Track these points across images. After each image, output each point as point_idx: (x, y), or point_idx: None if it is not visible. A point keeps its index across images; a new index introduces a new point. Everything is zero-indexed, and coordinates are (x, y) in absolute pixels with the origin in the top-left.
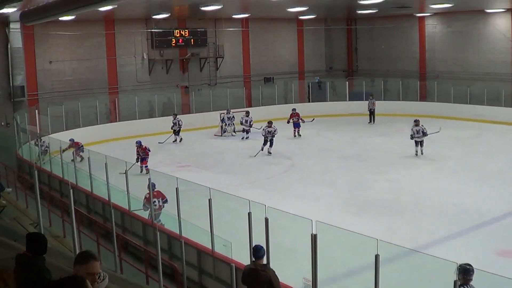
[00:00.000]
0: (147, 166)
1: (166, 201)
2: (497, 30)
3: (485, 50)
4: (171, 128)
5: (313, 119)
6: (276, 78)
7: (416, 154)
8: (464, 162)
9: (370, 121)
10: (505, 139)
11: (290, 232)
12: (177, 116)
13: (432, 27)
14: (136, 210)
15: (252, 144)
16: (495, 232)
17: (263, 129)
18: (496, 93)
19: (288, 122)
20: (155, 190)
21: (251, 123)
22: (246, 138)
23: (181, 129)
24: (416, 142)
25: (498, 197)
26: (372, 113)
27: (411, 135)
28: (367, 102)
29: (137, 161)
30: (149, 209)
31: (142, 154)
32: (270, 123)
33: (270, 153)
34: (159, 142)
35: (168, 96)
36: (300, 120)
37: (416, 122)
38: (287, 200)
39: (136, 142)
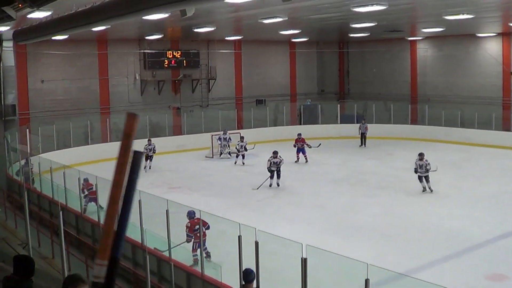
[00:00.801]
0: None
1: (208, 228)
2: (488, 54)
3: (476, 74)
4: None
5: (320, 144)
6: (268, 100)
7: (424, 191)
8: (455, 185)
9: (362, 145)
10: (496, 163)
11: (280, 256)
12: (152, 141)
13: (424, 50)
14: (176, 245)
15: (245, 165)
16: (485, 256)
17: (268, 161)
18: (487, 116)
19: (295, 146)
20: (196, 218)
21: (246, 147)
22: (243, 164)
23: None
24: (420, 178)
25: (489, 221)
26: (363, 136)
27: (415, 168)
28: (358, 125)
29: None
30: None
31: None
32: (275, 153)
33: (279, 184)
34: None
35: (160, 117)
36: (306, 145)
37: (421, 156)
38: (277, 224)
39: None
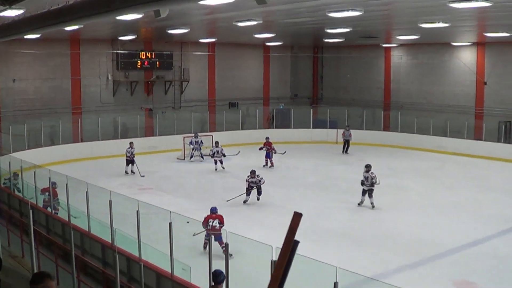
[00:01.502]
0: None
1: (221, 224)
2: (462, 63)
3: (449, 82)
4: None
5: (285, 151)
6: (241, 104)
7: (359, 204)
8: (426, 193)
9: (344, 152)
10: (467, 171)
11: (250, 258)
12: (133, 146)
13: (398, 58)
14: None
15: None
16: (454, 263)
17: (247, 181)
18: (459, 125)
19: (261, 149)
20: (217, 213)
21: (223, 152)
22: (223, 168)
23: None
24: (364, 191)
25: (458, 229)
26: (347, 143)
27: (362, 180)
28: (336, 130)
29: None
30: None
31: None
32: (253, 172)
33: (258, 199)
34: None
35: (132, 118)
36: (272, 151)
37: (367, 168)
38: (247, 226)
39: None
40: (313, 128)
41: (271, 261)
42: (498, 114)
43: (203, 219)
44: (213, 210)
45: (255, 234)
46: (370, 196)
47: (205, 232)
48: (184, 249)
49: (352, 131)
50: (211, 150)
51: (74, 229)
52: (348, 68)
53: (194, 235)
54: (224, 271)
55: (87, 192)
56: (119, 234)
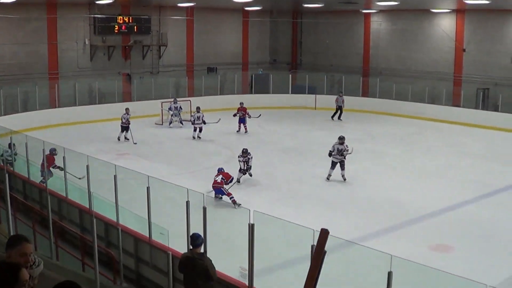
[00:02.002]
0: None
1: (231, 181)
2: (441, 30)
3: (428, 49)
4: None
5: (260, 114)
6: (220, 69)
7: (328, 179)
8: (403, 158)
9: (335, 117)
10: (445, 137)
11: (228, 222)
12: (128, 112)
13: (377, 24)
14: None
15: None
16: (430, 227)
17: (238, 159)
18: (437, 91)
19: (235, 115)
20: (224, 171)
21: (204, 119)
22: (199, 138)
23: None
24: (333, 163)
25: (434, 194)
26: (340, 110)
27: (330, 151)
28: (312, 96)
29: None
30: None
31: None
32: (245, 152)
33: (251, 175)
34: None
35: (109, 83)
36: (246, 115)
37: (341, 140)
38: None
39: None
40: (292, 93)
41: (249, 224)
42: (477, 81)
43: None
44: (219, 170)
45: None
46: (343, 168)
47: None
48: (162, 214)
49: (331, 97)
50: (191, 115)
51: (51, 195)
52: (327, 34)
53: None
54: (202, 235)
55: (64, 157)
56: (97, 199)
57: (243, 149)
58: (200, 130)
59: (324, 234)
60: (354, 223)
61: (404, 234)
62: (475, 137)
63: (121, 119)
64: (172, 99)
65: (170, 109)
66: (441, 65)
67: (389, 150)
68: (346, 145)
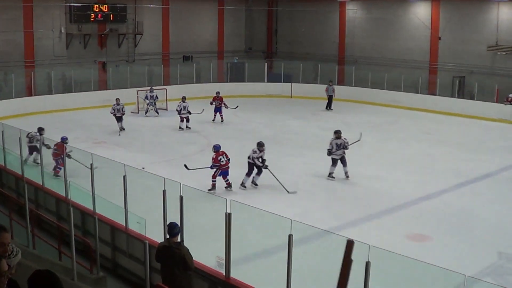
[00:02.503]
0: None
1: (229, 160)
2: (417, 18)
3: (404, 37)
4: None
5: (237, 106)
6: (195, 57)
7: (333, 177)
8: (379, 147)
9: (328, 108)
10: (420, 126)
11: (205, 211)
12: (120, 101)
13: (353, 12)
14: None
15: (171, 122)
16: (407, 216)
17: (251, 157)
18: (413, 80)
19: (211, 104)
20: (220, 151)
21: (189, 109)
22: (188, 128)
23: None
24: (334, 161)
25: (411, 183)
26: (331, 99)
27: (329, 149)
28: (288, 84)
29: None
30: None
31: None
32: (260, 145)
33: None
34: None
35: (85, 72)
36: (223, 105)
37: (338, 134)
38: (202, 179)
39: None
40: (267, 82)
41: (226, 213)
42: (452, 69)
43: (211, 159)
44: (218, 148)
45: (209, 187)
46: (345, 164)
47: (214, 170)
48: (139, 203)
49: (306, 85)
50: (178, 105)
51: (28, 183)
52: (303, 22)
53: (188, 169)
54: (179, 224)
55: (40, 145)
56: (73, 187)
57: (259, 142)
58: (188, 120)
59: (350, 244)
60: (331, 212)
61: (381, 223)
62: (451, 125)
63: (115, 110)
64: (149, 88)
65: (146, 97)
66: (417, 53)
67: (365, 139)
68: (345, 138)
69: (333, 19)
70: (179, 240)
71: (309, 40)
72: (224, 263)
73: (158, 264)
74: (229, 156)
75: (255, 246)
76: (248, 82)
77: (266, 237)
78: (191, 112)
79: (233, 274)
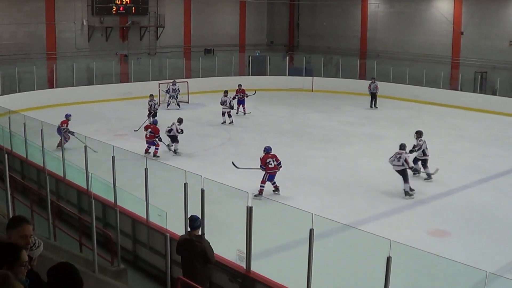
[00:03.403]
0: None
1: (280, 164)
2: (439, 13)
3: (426, 32)
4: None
5: (255, 92)
6: (217, 50)
7: (416, 174)
8: (400, 142)
9: (372, 106)
10: (442, 121)
11: (226, 204)
12: (154, 98)
13: (375, 6)
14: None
15: (192, 115)
16: (428, 212)
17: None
18: (435, 75)
19: (234, 98)
20: (271, 153)
21: (232, 104)
22: (230, 123)
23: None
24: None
25: (433, 178)
26: (374, 96)
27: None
28: (309, 78)
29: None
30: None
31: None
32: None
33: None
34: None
35: (107, 64)
36: (245, 97)
37: (418, 135)
38: (223, 173)
39: None
40: (289, 75)
41: (247, 207)
42: (475, 65)
43: (260, 161)
44: (268, 150)
45: (229, 180)
46: (425, 166)
47: (264, 173)
48: (160, 195)
49: (328, 79)
50: (222, 98)
51: (49, 175)
52: (324, 16)
53: (237, 168)
54: (200, 217)
55: (62, 138)
56: (95, 180)
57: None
58: (229, 116)
59: None
60: (352, 206)
61: (402, 218)
62: (473, 120)
63: (150, 105)
64: (171, 81)
65: (168, 90)
66: (439, 48)
67: (387, 134)
68: (421, 140)
69: (355, 13)
70: (200, 233)
71: (330, 34)
72: (245, 257)
73: (179, 257)
74: (280, 160)
75: (276, 240)
76: (269, 75)
77: (287, 231)
78: (234, 107)
79: (254, 268)
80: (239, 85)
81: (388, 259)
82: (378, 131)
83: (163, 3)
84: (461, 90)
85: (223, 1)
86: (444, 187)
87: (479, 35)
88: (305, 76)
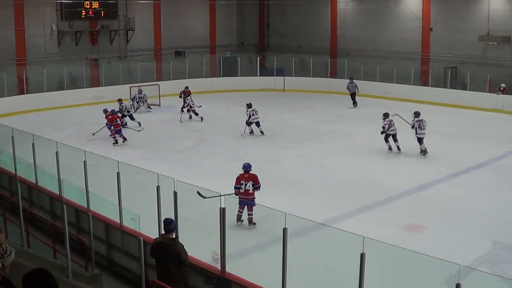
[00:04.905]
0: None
1: (258, 188)
2: (408, 9)
3: (395, 29)
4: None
5: (200, 105)
6: (187, 52)
7: (423, 153)
8: (371, 139)
9: (354, 105)
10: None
11: (199, 206)
12: (123, 102)
13: (344, 4)
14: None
15: (164, 117)
16: (401, 207)
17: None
18: (405, 71)
19: (180, 97)
20: (250, 172)
21: (189, 103)
22: (202, 119)
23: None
24: (421, 140)
25: (405, 173)
26: (354, 96)
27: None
28: (280, 78)
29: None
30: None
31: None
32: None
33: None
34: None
35: (77, 69)
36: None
37: (417, 114)
38: (196, 175)
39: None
40: (260, 76)
41: (220, 208)
42: (444, 60)
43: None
44: (247, 168)
45: (203, 182)
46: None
47: (238, 199)
48: (133, 199)
49: (299, 78)
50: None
51: (21, 182)
52: (294, 15)
53: (204, 198)
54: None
55: (33, 144)
56: (67, 185)
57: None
58: (196, 114)
59: None
60: (325, 204)
61: (375, 214)
62: (444, 116)
63: (120, 110)
64: (137, 90)
65: (134, 99)
66: (409, 44)
67: (358, 131)
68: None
69: (324, 12)
70: (174, 236)
71: (301, 33)
72: (220, 258)
73: (153, 260)
74: (259, 183)
75: (250, 241)
76: (240, 76)
77: (261, 231)
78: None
79: (229, 269)
80: (186, 87)
81: (362, 256)
82: (350, 128)
83: (132, 6)
84: (431, 85)
85: (193, 2)
86: (416, 181)
87: (448, 31)
88: (276, 76)
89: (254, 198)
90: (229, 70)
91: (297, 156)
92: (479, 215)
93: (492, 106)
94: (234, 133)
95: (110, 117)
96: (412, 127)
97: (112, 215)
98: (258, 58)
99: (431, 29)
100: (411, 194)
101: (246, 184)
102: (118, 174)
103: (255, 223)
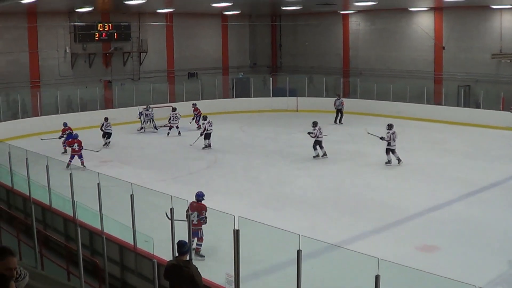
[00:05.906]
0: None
1: (202, 219)
2: (420, 29)
3: (408, 48)
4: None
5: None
6: (200, 74)
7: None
8: (385, 158)
9: (336, 122)
10: (427, 136)
11: (212, 228)
12: (108, 120)
13: (356, 24)
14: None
15: (177, 139)
16: (416, 227)
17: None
18: (418, 90)
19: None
20: (199, 201)
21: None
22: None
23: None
24: (393, 151)
25: (418, 193)
26: (340, 112)
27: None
28: (293, 98)
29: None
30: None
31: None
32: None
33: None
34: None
35: (91, 91)
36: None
37: (390, 126)
38: (209, 196)
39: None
40: (273, 96)
41: (234, 230)
42: (457, 79)
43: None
44: (197, 196)
45: (216, 203)
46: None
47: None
48: (147, 221)
49: (312, 99)
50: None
51: (35, 204)
52: (306, 35)
53: (169, 219)
54: (187, 241)
55: (47, 166)
56: (81, 207)
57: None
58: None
59: None
60: (339, 225)
61: (390, 235)
62: (457, 134)
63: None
64: (145, 106)
65: (140, 113)
66: (421, 63)
67: (371, 150)
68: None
69: (336, 32)
70: (188, 258)
71: (313, 53)
72: (234, 280)
73: (167, 283)
74: (204, 215)
75: (264, 262)
76: (253, 97)
77: (274, 253)
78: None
79: None
80: (194, 104)
81: (377, 278)
82: (363, 148)
83: (145, 28)
84: (444, 104)
85: (205, 24)
86: (431, 202)
87: (461, 49)
88: (289, 96)
89: (200, 229)
90: (242, 91)
91: (310, 176)
92: (494, 234)
93: (505, 124)
94: (247, 154)
95: (69, 140)
96: (387, 139)
97: (126, 237)
98: (271, 78)
99: (443, 48)
100: (426, 214)
101: (191, 214)
102: (131, 196)
103: (203, 256)
